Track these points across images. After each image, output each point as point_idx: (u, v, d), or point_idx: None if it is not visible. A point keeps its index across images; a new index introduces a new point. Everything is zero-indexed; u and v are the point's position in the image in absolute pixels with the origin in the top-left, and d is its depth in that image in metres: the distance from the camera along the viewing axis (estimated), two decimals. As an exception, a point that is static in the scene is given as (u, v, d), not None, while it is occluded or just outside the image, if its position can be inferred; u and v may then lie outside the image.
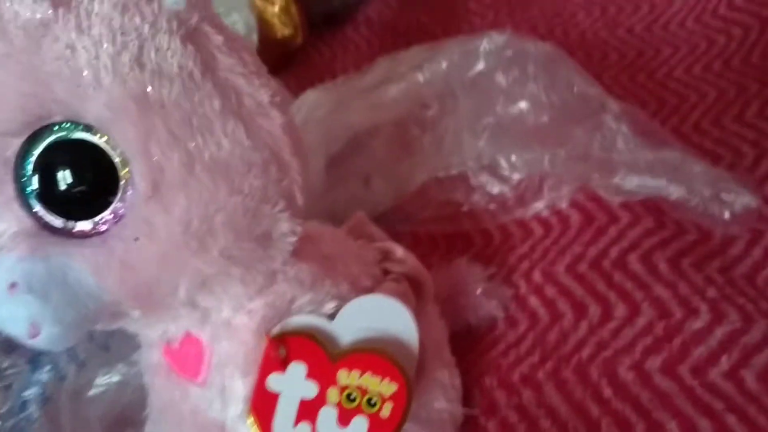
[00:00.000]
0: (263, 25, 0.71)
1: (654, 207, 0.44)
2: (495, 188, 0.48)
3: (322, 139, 0.46)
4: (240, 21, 0.68)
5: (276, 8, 0.73)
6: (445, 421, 0.36)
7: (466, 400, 0.38)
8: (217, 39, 0.29)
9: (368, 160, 0.50)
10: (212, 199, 0.28)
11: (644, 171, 0.42)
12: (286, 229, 0.30)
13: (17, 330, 0.27)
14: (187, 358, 0.33)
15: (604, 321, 0.40)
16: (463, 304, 0.43)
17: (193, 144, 0.27)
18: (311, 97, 0.48)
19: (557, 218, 0.47)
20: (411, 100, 0.46)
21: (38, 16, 0.26)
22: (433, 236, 0.51)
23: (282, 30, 0.74)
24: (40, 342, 0.28)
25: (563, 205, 0.47)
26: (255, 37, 0.69)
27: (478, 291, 0.43)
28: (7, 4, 0.26)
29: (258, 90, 0.29)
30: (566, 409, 0.38)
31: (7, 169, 0.27)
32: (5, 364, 0.37)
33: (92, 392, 0.38)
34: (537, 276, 0.44)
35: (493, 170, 0.47)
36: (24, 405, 0.36)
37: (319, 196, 0.47)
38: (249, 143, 0.28)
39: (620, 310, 0.40)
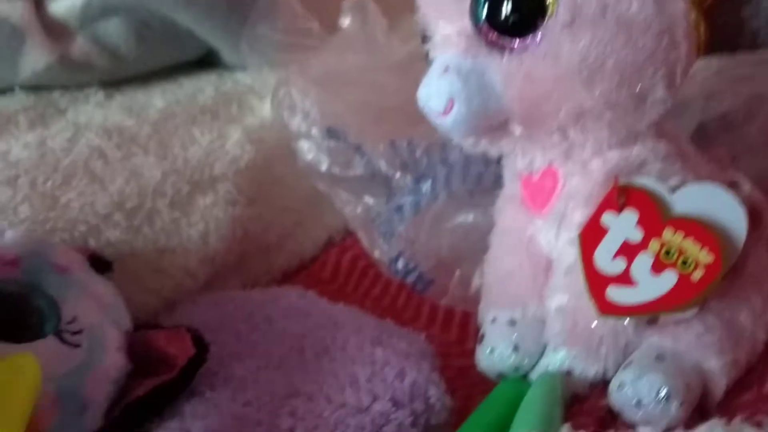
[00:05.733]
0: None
1: None
2: None
3: (699, 95, 0.49)
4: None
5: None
6: (742, 334, 0.38)
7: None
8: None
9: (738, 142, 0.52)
10: (611, 43, 0.34)
11: None
12: (659, 96, 0.36)
13: (437, 103, 0.37)
14: (541, 191, 0.40)
15: None
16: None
17: (611, -2, 0.34)
18: (701, 64, 0.51)
19: None
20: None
21: None
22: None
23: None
24: (447, 119, 0.37)
25: None
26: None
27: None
28: None
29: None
30: None
31: (470, -10, 0.37)
32: (397, 175, 0.47)
33: (449, 224, 0.47)
34: None
35: None
36: (400, 207, 0.47)
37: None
38: (654, 10, 0.35)
39: None
